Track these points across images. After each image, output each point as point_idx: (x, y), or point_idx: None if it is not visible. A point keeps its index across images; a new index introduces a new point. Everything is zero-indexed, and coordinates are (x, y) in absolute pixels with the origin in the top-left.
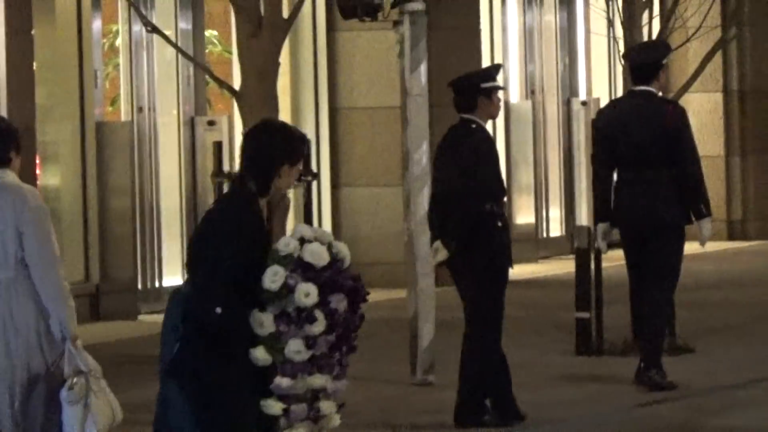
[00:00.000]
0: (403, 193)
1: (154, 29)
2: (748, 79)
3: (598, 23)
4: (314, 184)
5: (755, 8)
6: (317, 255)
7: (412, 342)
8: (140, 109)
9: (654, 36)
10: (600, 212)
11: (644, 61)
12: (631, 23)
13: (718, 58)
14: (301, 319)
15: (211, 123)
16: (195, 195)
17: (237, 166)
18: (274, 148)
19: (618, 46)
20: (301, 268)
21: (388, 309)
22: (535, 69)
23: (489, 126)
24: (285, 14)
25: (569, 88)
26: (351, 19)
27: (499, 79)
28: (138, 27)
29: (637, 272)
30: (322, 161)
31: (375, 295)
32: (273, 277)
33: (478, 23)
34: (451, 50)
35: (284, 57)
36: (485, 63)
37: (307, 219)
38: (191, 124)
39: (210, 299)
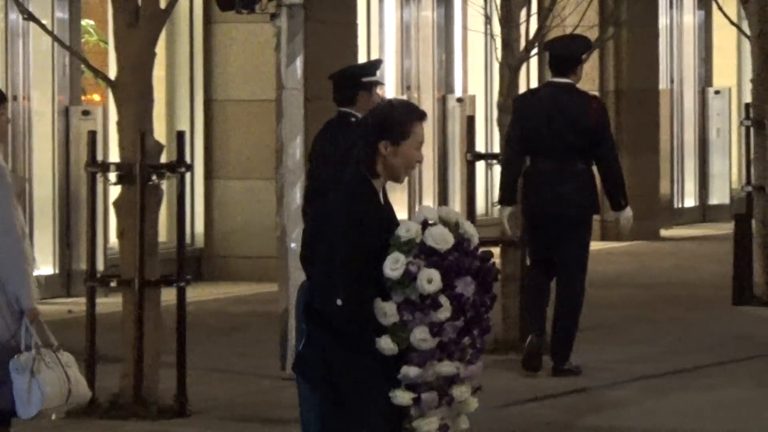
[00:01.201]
0: (276, 186)
1: (30, 17)
2: (625, 79)
3: (476, 20)
4: (188, 175)
5: (632, 8)
6: (440, 238)
7: (282, 336)
8: (14, 98)
9: (531, 35)
10: (507, 196)
11: (565, 53)
12: (508, 21)
13: (594, 57)
14: (425, 306)
15: (85, 113)
16: (68, 185)
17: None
18: (368, 127)
19: (495, 44)
20: (424, 253)
21: (260, 303)
22: (412, 65)
23: None
24: (162, 5)
25: (445, 85)
26: (228, 11)
27: (378, 75)
28: (14, 15)
29: (543, 267)
30: (196, 153)
31: (247, 289)
32: (394, 265)
33: (355, 18)
34: (327, 45)
35: (160, 48)
36: (362, 58)
37: (180, 211)
38: (66, 114)
39: (330, 291)
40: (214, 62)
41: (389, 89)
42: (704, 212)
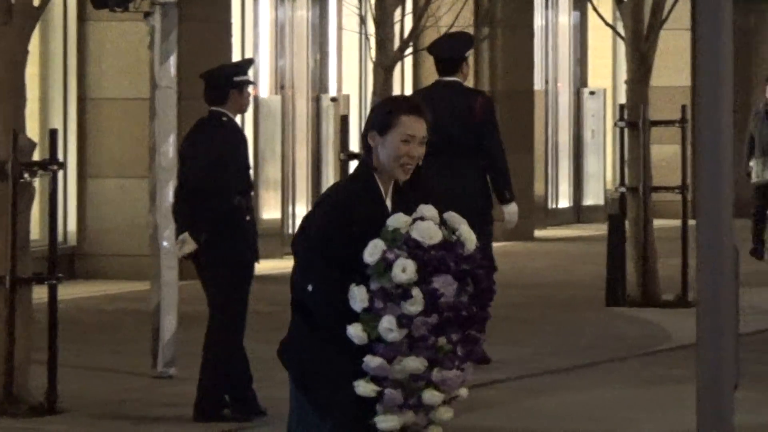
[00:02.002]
0: (149, 185)
1: None
2: (500, 79)
3: (350, 20)
4: (60, 173)
5: (507, 8)
6: (426, 233)
7: (154, 334)
8: None
9: (405, 34)
10: None
11: (450, 53)
12: (383, 20)
13: (470, 58)
14: (397, 295)
15: None
16: None
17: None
18: (369, 116)
19: (369, 44)
20: (407, 245)
21: (132, 301)
22: (286, 64)
23: (238, 120)
24: (36, 2)
25: (319, 84)
26: (102, 9)
27: (250, 74)
28: None
29: None
30: (69, 151)
31: (120, 287)
32: (372, 250)
33: (229, 17)
34: (201, 43)
35: (34, 45)
36: (236, 57)
37: (52, 209)
38: None
39: (302, 277)
40: (87, 60)
41: (263, 88)
42: (579, 213)
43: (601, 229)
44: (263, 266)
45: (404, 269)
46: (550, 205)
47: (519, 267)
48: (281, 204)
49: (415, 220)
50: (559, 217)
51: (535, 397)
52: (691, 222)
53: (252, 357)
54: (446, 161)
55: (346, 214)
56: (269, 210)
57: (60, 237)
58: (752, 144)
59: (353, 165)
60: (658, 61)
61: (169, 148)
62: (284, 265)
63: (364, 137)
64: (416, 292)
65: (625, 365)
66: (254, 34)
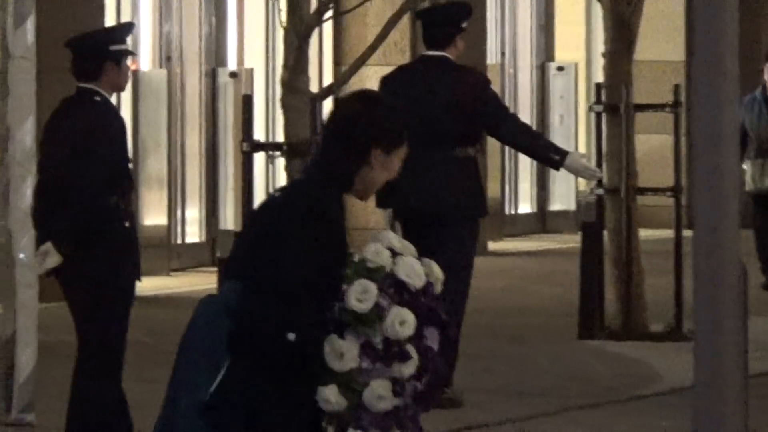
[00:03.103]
0: (0, 181)
1: None
2: None
3: None
4: None
5: None
6: (413, 273)
7: (7, 371)
8: None
9: None
10: (377, 197)
11: (440, 22)
12: None
13: (405, 23)
14: (390, 354)
15: None
16: None
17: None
18: (357, 129)
19: (279, 4)
20: (393, 287)
21: None
22: (173, 30)
23: (113, 99)
24: None
25: (215, 56)
26: None
27: (129, 42)
28: None
29: None
30: None
31: None
32: (362, 295)
33: None
34: (65, 3)
35: None
36: (110, 22)
37: None
38: None
39: (279, 323)
40: None
41: (144, 60)
42: (543, 220)
43: (571, 241)
44: (146, 285)
45: (403, 322)
46: (508, 210)
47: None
48: (168, 206)
49: (394, 254)
50: (518, 226)
51: None
52: (687, 232)
53: (131, 400)
54: (424, 153)
55: (327, 250)
56: (153, 214)
57: None
58: (745, 140)
59: (258, 157)
60: (643, 29)
61: (26, 135)
62: (171, 284)
63: (361, 154)
64: (412, 351)
65: (600, 413)
66: None
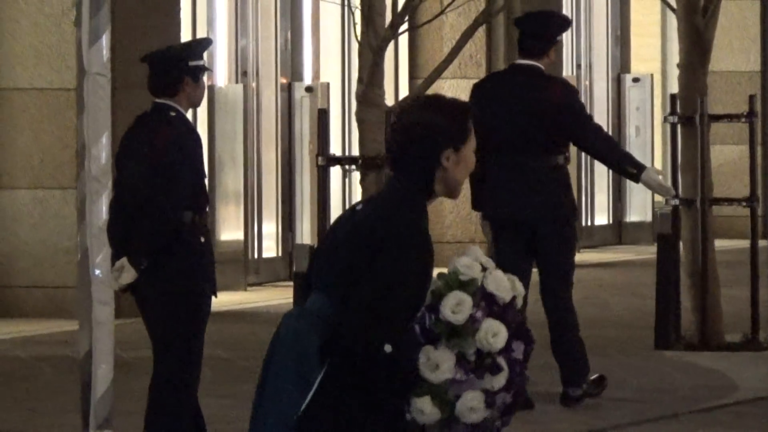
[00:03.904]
0: (77, 198)
1: None
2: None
3: None
4: None
5: None
6: (502, 287)
7: (85, 388)
8: None
9: (400, 6)
10: (473, 200)
11: (537, 32)
12: None
13: (480, 35)
14: (483, 366)
15: None
16: None
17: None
18: (422, 137)
19: (354, 18)
20: (485, 300)
21: (54, 345)
22: (249, 45)
23: (190, 114)
24: None
25: (291, 70)
26: None
27: (205, 58)
28: None
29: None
30: None
31: (39, 327)
32: (457, 307)
33: None
34: (140, 19)
35: None
36: (185, 37)
37: None
38: None
39: (376, 334)
40: None
41: (220, 76)
42: (620, 232)
43: (648, 253)
44: (222, 300)
45: (495, 334)
46: (585, 222)
47: None
48: (244, 222)
49: (483, 268)
50: (595, 238)
51: None
52: (763, 242)
53: (208, 415)
54: (518, 160)
55: (432, 252)
56: (229, 229)
57: None
58: None
59: (334, 171)
60: (719, 40)
61: (102, 152)
62: (248, 299)
63: (432, 158)
64: (503, 363)
65: (677, 425)
66: (208, 7)
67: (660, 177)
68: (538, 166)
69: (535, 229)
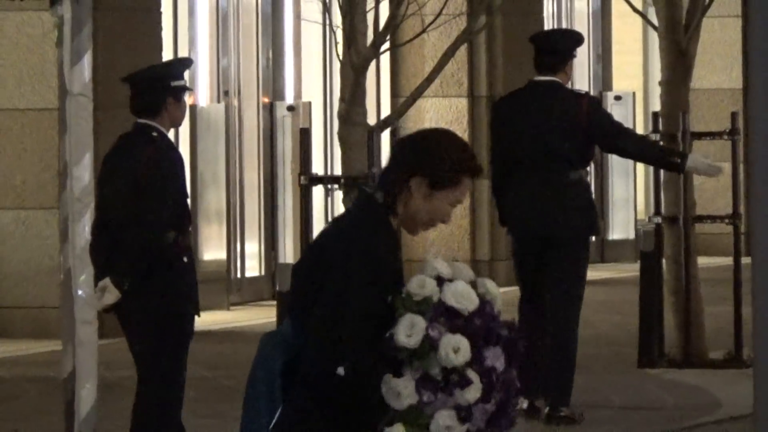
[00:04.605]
0: (59, 218)
1: None
2: (500, 81)
3: (311, 8)
4: None
5: None
6: (463, 297)
7: (69, 407)
8: None
9: (381, 25)
10: (500, 216)
11: (554, 48)
12: (352, 8)
13: (462, 54)
14: (450, 383)
15: None
16: None
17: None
18: (406, 151)
19: (335, 37)
20: (444, 315)
21: (37, 366)
22: (230, 64)
23: (171, 133)
24: None
25: (273, 90)
26: None
27: (187, 77)
28: None
29: (532, 310)
30: None
31: (22, 347)
32: (409, 330)
33: (158, 5)
34: (122, 39)
35: None
36: (167, 56)
37: None
38: None
39: (330, 355)
40: None
41: (202, 96)
42: (602, 249)
43: (630, 270)
44: (205, 320)
45: (457, 349)
46: None
47: None
48: (227, 241)
49: (441, 281)
50: None
51: None
52: (746, 260)
53: None
54: (544, 177)
55: (381, 276)
56: (212, 249)
57: None
58: None
59: (316, 190)
60: (700, 57)
61: (84, 172)
62: (231, 318)
63: (401, 177)
64: (473, 375)
65: None
66: (190, 27)
67: (704, 158)
68: (561, 181)
69: (550, 242)
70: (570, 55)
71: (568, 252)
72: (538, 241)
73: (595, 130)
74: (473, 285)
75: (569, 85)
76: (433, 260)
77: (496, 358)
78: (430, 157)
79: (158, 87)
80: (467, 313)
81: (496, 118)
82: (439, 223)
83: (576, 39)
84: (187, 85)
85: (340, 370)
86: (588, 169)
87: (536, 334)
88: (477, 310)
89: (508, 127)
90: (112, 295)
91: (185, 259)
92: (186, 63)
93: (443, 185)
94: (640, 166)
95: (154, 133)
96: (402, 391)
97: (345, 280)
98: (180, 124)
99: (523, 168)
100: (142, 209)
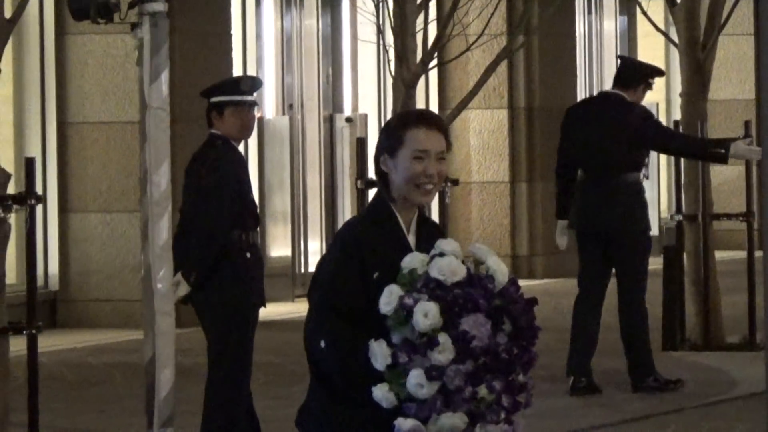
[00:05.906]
0: (140, 220)
1: None
2: (537, 94)
3: (366, 29)
4: (39, 208)
5: (545, 13)
6: (447, 269)
7: (149, 391)
8: None
9: (429, 44)
10: (558, 209)
11: (636, 65)
12: (403, 29)
13: (502, 70)
14: (422, 345)
15: None
16: None
17: None
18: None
19: (388, 56)
20: (427, 286)
21: (122, 353)
22: (294, 81)
23: (241, 146)
24: (7, 14)
25: (332, 103)
26: (83, 20)
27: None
28: None
29: (590, 302)
30: (48, 182)
31: (108, 337)
32: (387, 299)
33: (228, 28)
34: (196, 58)
35: (6, 63)
36: (236, 73)
37: (30, 248)
38: None
39: (314, 331)
40: (68, 79)
41: (268, 109)
42: None
43: (655, 264)
44: (271, 311)
45: (426, 314)
46: None
47: (560, 309)
48: (291, 239)
49: (433, 257)
50: None
51: None
52: (758, 253)
53: (261, 415)
54: (605, 182)
55: (358, 257)
56: (277, 247)
57: (40, 281)
58: None
59: (372, 193)
60: (717, 71)
61: (162, 178)
62: (295, 309)
63: (376, 164)
64: (444, 338)
65: (684, 417)
66: (257, 46)
67: (746, 144)
68: (619, 183)
69: (613, 238)
70: (645, 80)
71: (627, 247)
72: (598, 236)
73: (647, 136)
74: (480, 261)
75: None
76: (443, 240)
77: (477, 325)
78: (379, 136)
79: (206, 102)
80: (448, 284)
81: (567, 123)
82: (424, 179)
83: (656, 69)
84: (233, 100)
85: (322, 343)
86: (645, 172)
87: (592, 329)
88: (462, 282)
89: (577, 132)
90: (183, 288)
91: (248, 255)
92: (232, 81)
93: (394, 148)
94: (663, 170)
95: (219, 141)
96: (377, 353)
97: (326, 263)
98: (247, 135)
99: (588, 169)
100: (206, 210)
